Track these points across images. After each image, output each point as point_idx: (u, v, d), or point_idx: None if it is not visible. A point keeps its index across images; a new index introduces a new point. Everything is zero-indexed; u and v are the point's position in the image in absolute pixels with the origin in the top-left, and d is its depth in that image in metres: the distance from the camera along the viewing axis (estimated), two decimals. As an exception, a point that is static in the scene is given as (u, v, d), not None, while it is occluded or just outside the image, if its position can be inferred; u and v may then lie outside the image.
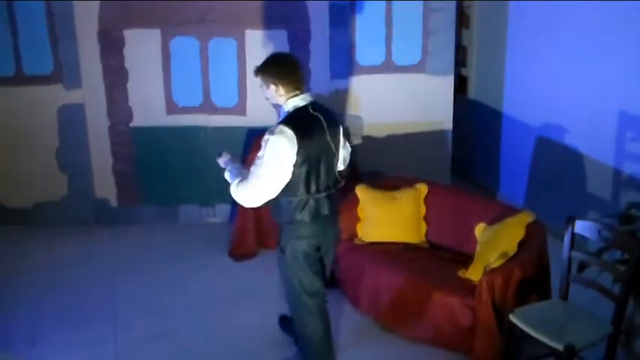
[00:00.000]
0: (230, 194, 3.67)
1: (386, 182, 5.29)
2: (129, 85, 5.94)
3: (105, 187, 6.13)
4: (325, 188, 3.67)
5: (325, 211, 3.68)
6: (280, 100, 3.67)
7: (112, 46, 5.84)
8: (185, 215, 6.23)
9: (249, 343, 4.45)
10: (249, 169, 3.63)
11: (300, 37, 5.92)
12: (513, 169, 6.38)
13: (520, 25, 6.12)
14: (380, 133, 6.25)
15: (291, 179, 3.58)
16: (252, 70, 3.84)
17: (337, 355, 4.28)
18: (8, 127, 5.95)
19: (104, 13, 5.76)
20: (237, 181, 3.62)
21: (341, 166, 3.92)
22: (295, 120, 3.57)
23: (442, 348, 4.31)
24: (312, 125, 3.61)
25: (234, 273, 5.33)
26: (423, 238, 4.99)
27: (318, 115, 3.65)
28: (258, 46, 5.86)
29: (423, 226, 5.01)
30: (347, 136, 4.19)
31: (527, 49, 6.01)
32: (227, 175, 3.75)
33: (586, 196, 5.37)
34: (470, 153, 7.10)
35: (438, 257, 4.76)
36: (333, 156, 3.73)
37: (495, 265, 4.20)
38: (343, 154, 3.90)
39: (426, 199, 5.04)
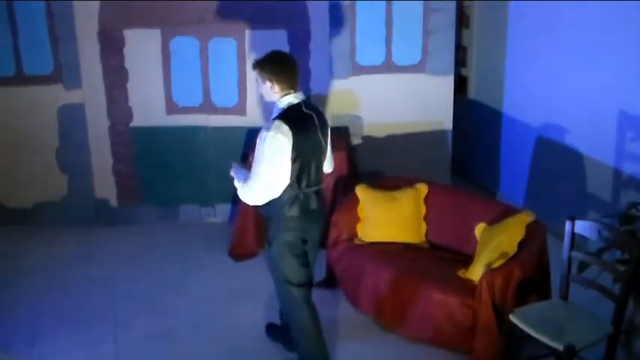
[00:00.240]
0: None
1: (386, 182, 5.29)
2: (129, 85, 5.94)
3: (105, 187, 6.14)
4: (315, 184, 3.82)
5: (314, 205, 3.82)
6: (274, 97, 3.79)
7: (112, 46, 5.84)
8: (185, 215, 6.23)
9: (249, 343, 4.45)
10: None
11: (300, 37, 5.92)
12: (513, 169, 6.38)
13: (520, 25, 6.12)
14: (380, 133, 6.25)
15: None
16: (252, 70, 3.88)
17: (337, 355, 4.30)
18: (8, 127, 5.95)
19: (104, 13, 5.76)
20: (242, 182, 3.71)
21: (329, 169, 4.06)
22: (290, 116, 3.68)
23: (442, 348, 4.31)
24: (306, 122, 3.74)
25: (234, 273, 5.33)
26: (423, 238, 4.99)
27: (311, 113, 3.79)
28: (258, 46, 5.85)
29: (423, 226, 5.01)
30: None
31: (527, 49, 6.01)
32: (235, 182, 3.81)
33: (586, 196, 5.37)
34: (470, 153, 7.11)
35: (438, 257, 4.76)
36: (322, 153, 3.88)
37: (495, 265, 4.20)
38: (329, 154, 4.02)
39: (426, 199, 5.04)
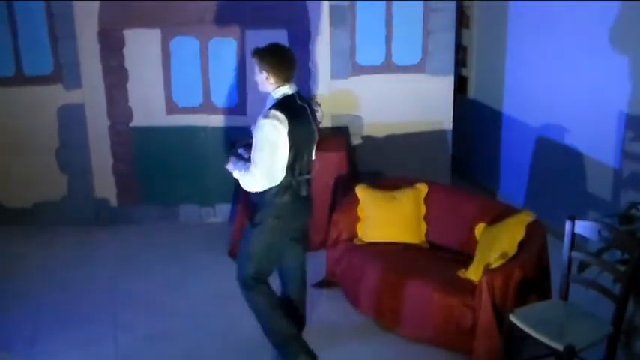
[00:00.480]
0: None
1: (386, 182, 5.30)
2: (129, 85, 5.94)
3: (105, 187, 6.14)
4: (306, 172, 3.94)
5: (304, 193, 3.94)
6: (268, 88, 3.90)
7: (112, 46, 5.84)
8: (185, 215, 6.23)
9: (249, 343, 4.44)
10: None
11: (300, 37, 5.92)
12: (513, 169, 6.38)
13: (520, 25, 6.12)
14: (380, 133, 6.24)
15: None
16: (252, 70, 3.92)
17: (337, 355, 4.30)
18: (8, 127, 5.95)
19: (104, 13, 5.76)
20: (243, 171, 3.82)
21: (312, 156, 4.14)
22: (285, 105, 3.81)
23: (442, 348, 4.31)
24: (299, 111, 3.88)
25: (234, 273, 5.32)
26: (423, 238, 4.99)
27: (304, 104, 3.94)
28: (258, 46, 5.85)
29: (423, 226, 5.01)
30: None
31: (527, 49, 6.01)
32: (235, 172, 3.91)
33: (586, 196, 5.37)
34: (470, 153, 7.10)
35: (438, 257, 4.76)
36: (313, 143, 4.02)
37: (495, 265, 4.20)
38: None
39: (426, 199, 5.04)
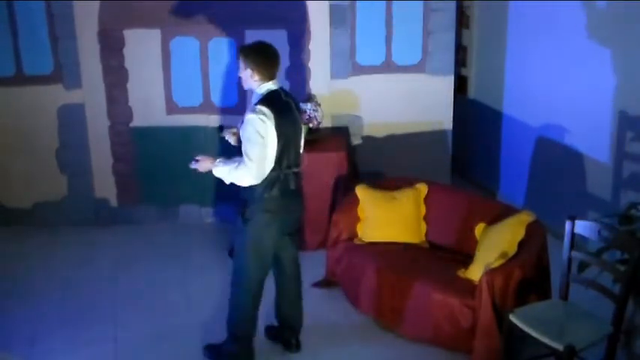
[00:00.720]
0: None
1: (386, 182, 5.30)
2: (129, 85, 5.94)
3: (105, 187, 6.14)
4: (294, 165, 4.00)
5: (293, 185, 3.99)
6: (253, 85, 3.97)
7: (112, 46, 5.84)
8: (185, 215, 6.23)
9: (249, 343, 4.45)
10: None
11: (300, 37, 5.92)
12: (513, 169, 6.38)
13: (520, 25, 6.12)
14: (380, 133, 6.24)
15: None
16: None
17: (337, 355, 4.31)
18: (8, 127, 5.95)
19: (104, 13, 5.76)
20: (235, 165, 3.86)
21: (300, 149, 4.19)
22: (270, 101, 3.89)
23: (442, 348, 4.31)
24: (284, 106, 3.94)
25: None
26: (423, 238, 4.99)
27: (288, 99, 4.00)
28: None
29: (423, 226, 5.01)
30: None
31: (527, 49, 6.01)
32: (220, 170, 3.94)
33: (586, 196, 5.37)
34: (470, 153, 7.11)
35: (438, 257, 4.76)
36: (300, 136, 4.09)
37: (495, 265, 4.20)
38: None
39: (426, 199, 5.04)
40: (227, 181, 3.95)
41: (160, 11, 5.77)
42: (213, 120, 6.01)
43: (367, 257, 4.73)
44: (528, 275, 4.14)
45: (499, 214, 4.60)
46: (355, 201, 5.04)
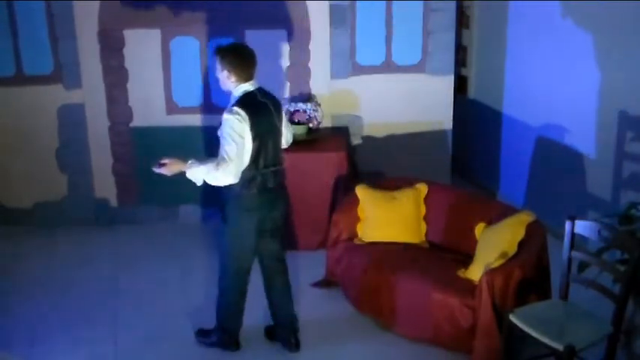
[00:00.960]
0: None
1: (386, 182, 5.29)
2: (129, 85, 5.94)
3: (105, 187, 6.14)
4: (272, 164, 4.04)
5: (271, 184, 4.04)
6: (230, 87, 4.02)
7: (112, 46, 5.84)
8: (185, 215, 6.23)
9: (249, 343, 4.44)
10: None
11: (300, 37, 5.92)
12: (513, 169, 6.38)
13: (520, 25, 6.12)
14: (380, 133, 6.25)
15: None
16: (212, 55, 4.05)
17: (337, 355, 4.31)
18: (8, 127, 5.95)
19: (104, 13, 5.76)
20: (214, 164, 3.88)
21: (284, 144, 4.29)
22: (246, 102, 3.94)
23: (442, 348, 4.31)
24: (260, 107, 3.99)
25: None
26: (423, 238, 4.99)
27: (266, 100, 4.04)
28: (258, 46, 5.84)
29: (423, 226, 5.01)
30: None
31: (527, 49, 6.01)
32: (194, 171, 3.96)
33: (586, 196, 5.37)
34: (470, 153, 7.11)
35: (438, 257, 4.76)
36: (278, 136, 4.13)
37: (495, 265, 4.19)
38: (286, 134, 4.27)
39: (426, 199, 5.03)
40: (200, 182, 3.98)
41: (160, 11, 5.77)
42: (213, 120, 6.00)
43: (367, 257, 4.73)
44: (528, 275, 4.14)
45: (499, 214, 4.59)
46: (355, 201, 5.04)
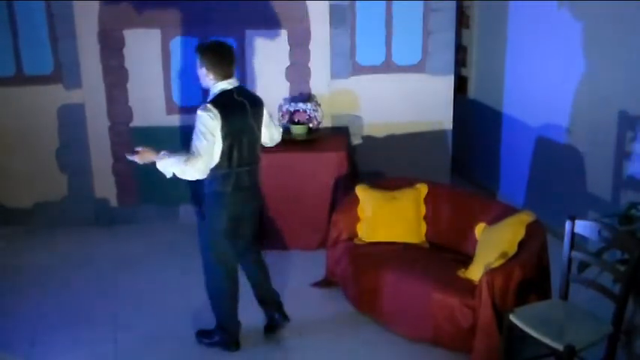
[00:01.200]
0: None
1: (386, 182, 5.29)
2: (129, 85, 5.94)
3: (105, 187, 6.14)
4: (246, 163, 4.07)
5: (245, 183, 4.09)
6: (209, 84, 4.07)
7: (112, 46, 5.84)
8: (185, 215, 6.23)
9: (248, 343, 4.44)
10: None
11: (300, 37, 5.92)
12: (513, 169, 6.38)
13: (520, 25, 6.12)
14: (380, 133, 6.25)
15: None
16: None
17: (337, 355, 4.31)
18: (8, 127, 5.95)
19: (104, 13, 5.76)
20: (184, 158, 3.92)
21: (269, 142, 4.37)
22: (220, 101, 3.98)
23: (442, 348, 4.31)
24: (235, 107, 4.01)
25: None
26: (423, 238, 4.99)
27: (243, 99, 4.06)
28: (258, 46, 5.86)
29: (423, 226, 5.01)
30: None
31: (527, 49, 6.01)
32: (165, 162, 4.01)
33: (586, 196, 5.37)
34: (470, 153, 7.11)
35: (438, 257, 4.76)
36: (254, 135, 4.14)
37: (495, 265, 4.20)
38: (270, 132, 4.32)
39: (426, 199, 5.04)
40: (169, 174, 4.03)
41: (160, 11, 5.77)
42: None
43: (367, 257, 4.73)
44: (528, 275, 4.14)
45: (499, 214, 4.60)
46: (355, 201, 5.04)
